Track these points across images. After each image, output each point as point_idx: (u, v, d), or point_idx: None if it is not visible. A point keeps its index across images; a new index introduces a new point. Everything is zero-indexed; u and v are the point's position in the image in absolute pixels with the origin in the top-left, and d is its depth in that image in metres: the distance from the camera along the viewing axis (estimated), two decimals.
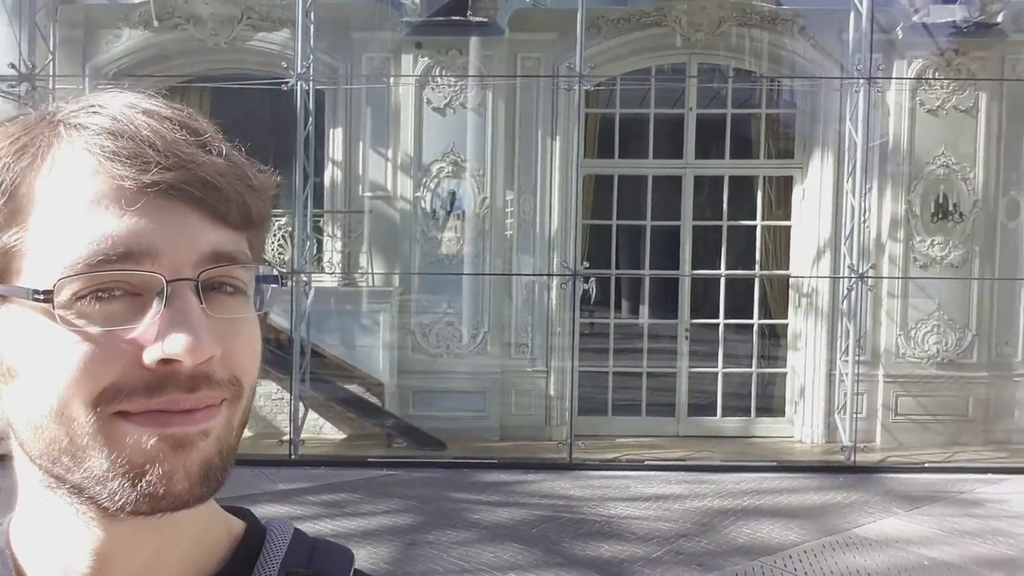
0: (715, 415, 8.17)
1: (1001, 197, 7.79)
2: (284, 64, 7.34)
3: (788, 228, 8.19)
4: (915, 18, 7.74)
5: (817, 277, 7.94)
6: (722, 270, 8.24)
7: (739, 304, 8.26)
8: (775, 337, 8.45)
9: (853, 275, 7.40)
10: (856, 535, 5.48)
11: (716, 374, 8.19)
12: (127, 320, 0.47)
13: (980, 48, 7.71)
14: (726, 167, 8.29)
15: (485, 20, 7.80)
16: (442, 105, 7.77)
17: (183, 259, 0.49)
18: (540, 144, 7.87)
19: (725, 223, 8.22)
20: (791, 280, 8.18)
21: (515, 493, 6.39)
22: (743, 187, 8.34)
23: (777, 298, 8.33)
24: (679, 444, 7.71)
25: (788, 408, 8.19)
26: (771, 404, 8.32)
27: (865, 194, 7.49)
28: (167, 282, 0.48)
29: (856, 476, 6.89)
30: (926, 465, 7.12)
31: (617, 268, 8.84)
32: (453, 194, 7.73)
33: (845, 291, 7.55)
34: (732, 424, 8.14)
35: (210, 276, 0.50)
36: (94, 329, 0.47)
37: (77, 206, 0.48)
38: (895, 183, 7.77)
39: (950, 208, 7.74)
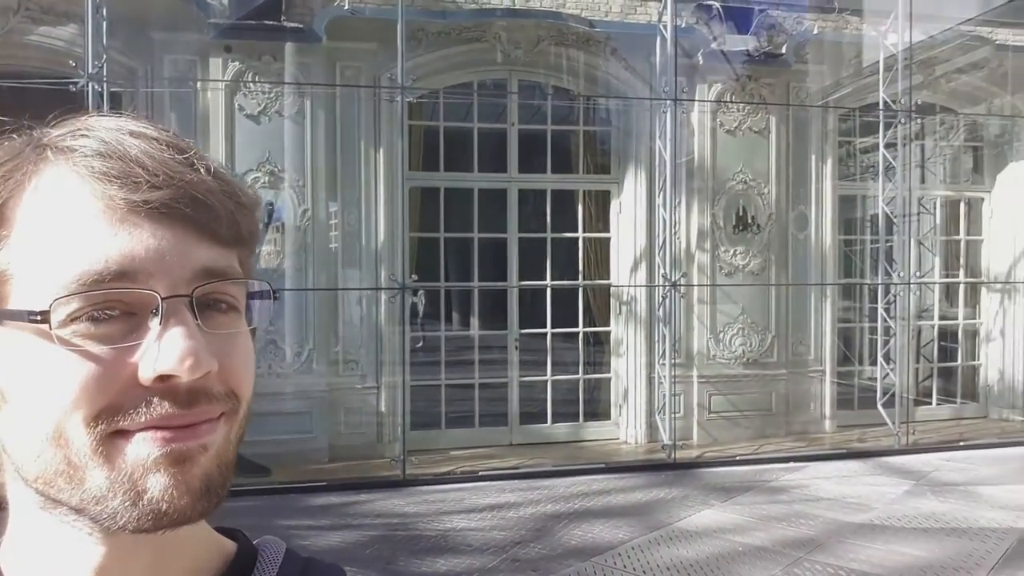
0: (546, 422, 8.31)
1: (791, 211, 8.58)
2: (72, 63, 6.61)
3: (607, 240, 8.53)
4: (713, 45, 8.38)
5: (635, 286, 8.33)
6: (548, 281, 8.43)
7: (565, 313, 8.47)
8: (599, 344, 8.75)
9: (667, 283, 7.81)
10: (679, 528, 5.73)
11: (546, 382, 8.34)
12: (124, 338, 0.47)
13: (769, 76, 8.48)
14: (548, 181, 8.51)
15: (300, 26, 7.50)
16: (256, 112, 7.36)
17: (177, 276, 0.49)
18: (363, 155, 7.66)
19: (549, 235, 8.42)
20: (612, 289, 8.52)
21: (347, 515, 6.08)
22: (565, 200, 8.60)
23: (600, 307, 8.63)
24: (512, 453, 7.74)
25: (613, 411, 8.49)
26: (597, 408, 8.59)
27: (675, 208, 7.95)
28: (162, 299, 0.48)
29: (677, 472, 7.24)
30: (737, 458, 7.62)
31: (446, 281, 8.80)
32: (271, 205, 7.32)
33: (660, 299, 7.96)
34: (562, 430, 8.31)
35: (204, 292, 0.50)
36: (91, 349, 0.47)
37: (68, 227, 0.48)
38: (701, 197, 8.32)
39: (749, 220, 8.41)
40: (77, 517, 0.49)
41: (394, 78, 7.30)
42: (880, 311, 8.51)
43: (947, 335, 9.73)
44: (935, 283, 9.62)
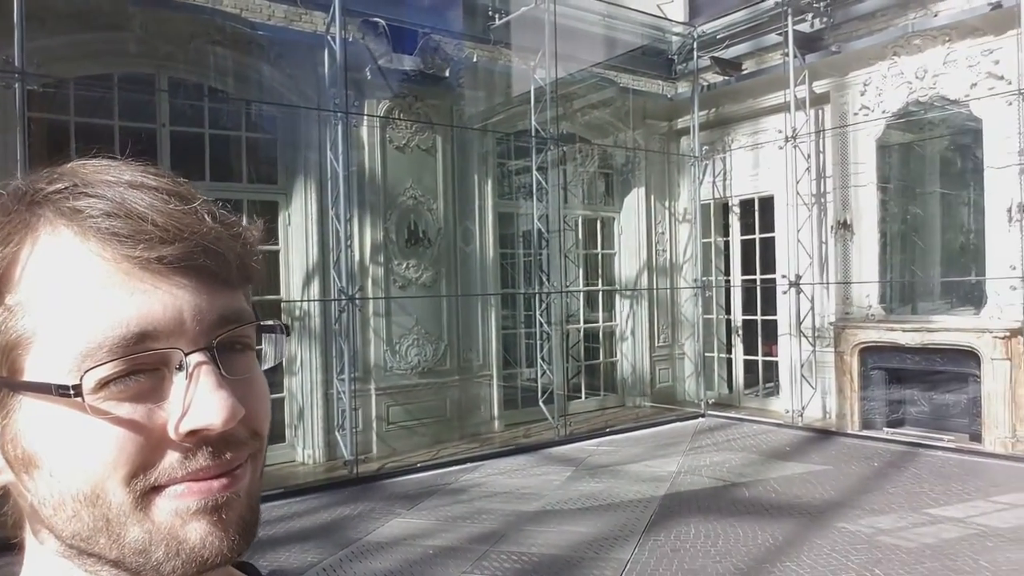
0: None
1: (458, 225, 8.99)
2: None
3: (277, 253, 8.09)
4: (380, 63, 8.48)
5: (309, 301, 8.01)
6: None
7: None
8: None
9: (344, 297, 7.65)
10: (368, 541, 5.57)
11: None
12: (151, 397, 0.48)
13: (434, 97, 8.82)
14: (207, 189, 7.73)
15: None
16: None
17: (196, 329, 0.49)
18: None
19: None
20: (283, 304, 8.08)
21: None
22: (227, 211, 7.96)
23: None
24: None
25: (288, 432, 8.02)
26: (271, 431, 8.01)
27: (348, 221, 7.84)
28: (185, 355, 0.48)
29: (360, 487, 7.06)
30: (418, 465, 7.69)
31: None
32: None
33: (337, 313, 7.76)
34: None
35: (222, 340, 0.50)
36: (122, 412, 0.47)
37: (83, 291, 0.47)
38: (374, 211, 8.33)
39: (420, 235, 8.63)
40: (113, 569, 0.49)
41: (10, 61, 6.11)
42: (537, 317, 9.31)
43: (590, 336, 11.03)
44: (580, 291, 10.85)
